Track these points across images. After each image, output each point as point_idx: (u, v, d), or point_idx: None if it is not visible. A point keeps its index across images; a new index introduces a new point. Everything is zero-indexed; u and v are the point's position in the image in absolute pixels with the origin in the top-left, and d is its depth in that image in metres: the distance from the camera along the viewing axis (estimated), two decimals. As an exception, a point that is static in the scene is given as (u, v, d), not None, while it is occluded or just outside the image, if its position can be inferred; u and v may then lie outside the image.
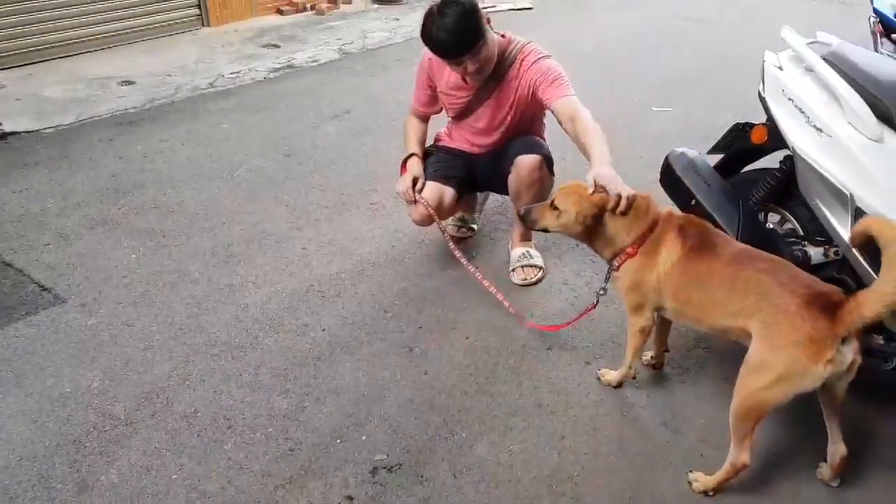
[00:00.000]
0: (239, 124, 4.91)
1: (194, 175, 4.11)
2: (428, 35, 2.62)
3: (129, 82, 5.70)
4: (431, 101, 3.07)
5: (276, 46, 6.84)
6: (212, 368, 2.56)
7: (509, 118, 2.91)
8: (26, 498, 2.05)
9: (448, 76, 2.90)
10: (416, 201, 2.94)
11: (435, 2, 2.61)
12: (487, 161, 3.05)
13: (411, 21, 7.76)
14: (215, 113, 5.13)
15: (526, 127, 2.98)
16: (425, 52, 2.90)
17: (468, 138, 3.07)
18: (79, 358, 2.62)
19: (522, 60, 2.80)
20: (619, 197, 2.14)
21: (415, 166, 2.99)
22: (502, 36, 2.82)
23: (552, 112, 2.72)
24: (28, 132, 4.71)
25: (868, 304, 1.72)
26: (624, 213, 2.15)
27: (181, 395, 2.44)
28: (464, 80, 2.84)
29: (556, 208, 2.25)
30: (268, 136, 4.68)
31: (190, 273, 3.15)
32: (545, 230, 2.34)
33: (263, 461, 2.17)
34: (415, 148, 3.06)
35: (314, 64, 6.35)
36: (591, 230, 2.20)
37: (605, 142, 2.44)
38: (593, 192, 2.18)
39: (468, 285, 3.03)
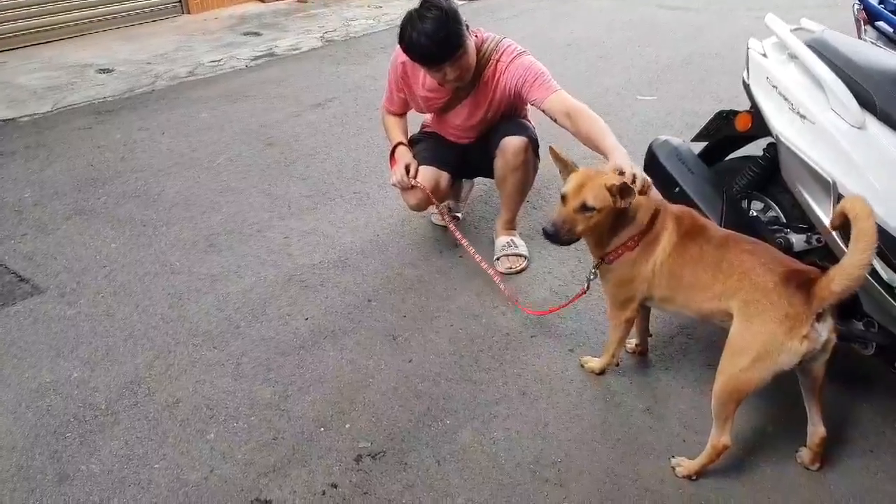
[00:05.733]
0: (219, 113, 4.86)
1: (174, 164, 4.06)
2: (408, 40, 2.58)
3: (108, 70, 5.62)
4: (404, 105, 3.05)
5: (257, 34, 6.77)
6: (193, 358, 2.54)
7: (488, 115, 2.91)
8: (5, 489, 2.02)
9: (424, 78, 2.87)
10: (413, 187, 2.92)
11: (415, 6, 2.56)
12: (476, 146, 3.04)
13: (395, 9, 7.72)
14: (195, 101, 5.07)
15: (509, 113, 2.97)
16: (397, 54, 2.83)
17: (450, 131, 3.06)
18: (58, 348, 2.58)
19: (498, 60, 2.77)
20: (644, 181, 2.11)
21: (405, 154, 2.97)
22: (475, 35, 2.77)
23: (545, 112, 2.68)
24: (3, 121, 4.63)
25: (836, 280, 1.75)
26: (642, 193, 2.09)
27: (163, 384, 2.41)
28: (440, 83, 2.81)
29: (588, 209, 2.04)
30: (249, 125, 4.63)
31: (170, 262, 3.11)
32: (578, 238, 2.12)
33: (246, 450, 2.16)
34: (400, 137, 3.03)
35: (296, 52, 6.29)
36: (614, 217, 2.10)
37: (609, 129, 2.41)
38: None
39: (452, 274, 3.02)
